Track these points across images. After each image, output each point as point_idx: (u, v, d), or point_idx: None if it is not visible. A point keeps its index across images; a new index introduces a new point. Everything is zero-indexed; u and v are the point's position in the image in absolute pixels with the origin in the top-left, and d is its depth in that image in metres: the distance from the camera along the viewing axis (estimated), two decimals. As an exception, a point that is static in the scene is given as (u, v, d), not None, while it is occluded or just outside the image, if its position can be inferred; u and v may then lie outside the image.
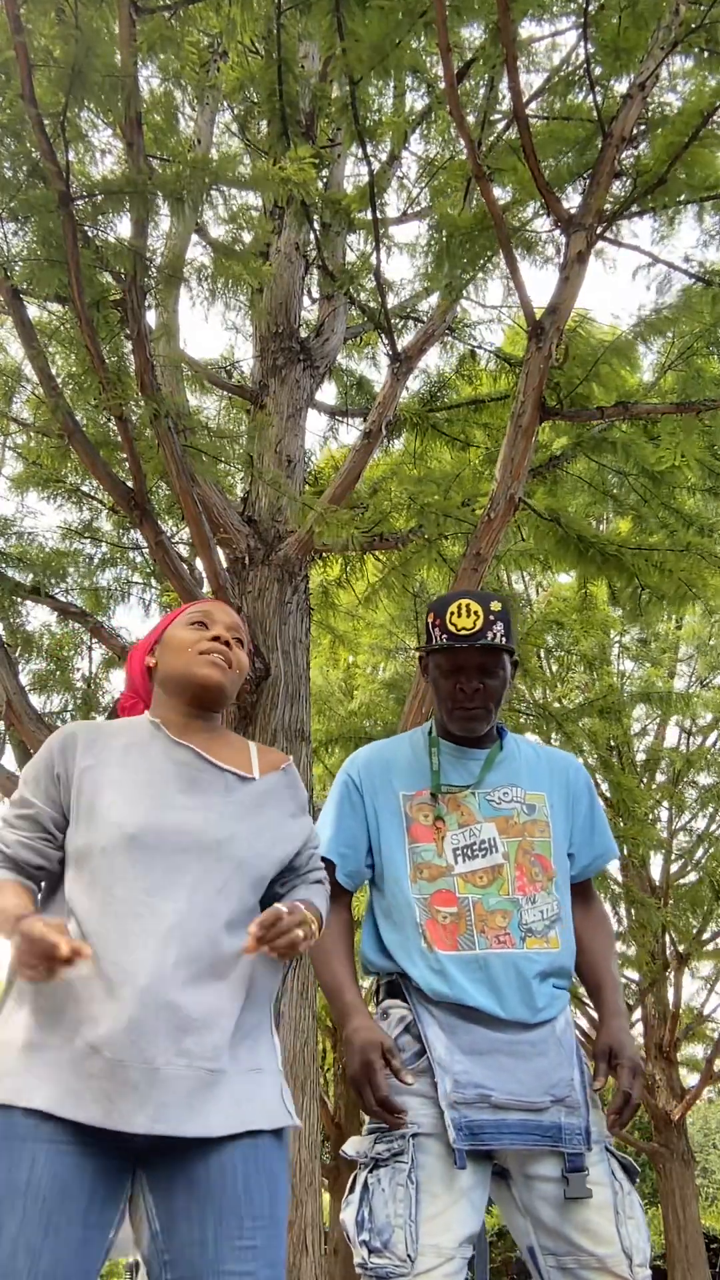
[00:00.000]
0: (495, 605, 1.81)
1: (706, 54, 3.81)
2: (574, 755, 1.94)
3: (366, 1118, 1.64)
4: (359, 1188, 1.58)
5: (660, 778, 10.33)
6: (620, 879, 10.09)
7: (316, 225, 4.86)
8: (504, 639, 1.79)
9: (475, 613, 1.78)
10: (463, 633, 1.77)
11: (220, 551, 4.94)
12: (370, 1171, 1.58)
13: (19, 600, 5.56)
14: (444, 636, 1.79)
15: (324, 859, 1.79)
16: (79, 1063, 1.28)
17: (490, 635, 1.77)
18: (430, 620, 1.85)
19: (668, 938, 10.01)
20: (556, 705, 9.24)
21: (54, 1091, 1.27)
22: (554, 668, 9.90)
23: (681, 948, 10.18)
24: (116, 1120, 1.26)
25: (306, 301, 6.22)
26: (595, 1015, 1.79)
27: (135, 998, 1.30)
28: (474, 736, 1.85)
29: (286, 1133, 1.42)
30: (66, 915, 1.40)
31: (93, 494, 6.07)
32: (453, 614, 1.79)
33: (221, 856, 1.45)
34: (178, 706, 1.60)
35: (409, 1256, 1.49)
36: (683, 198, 3.72)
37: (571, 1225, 1.55)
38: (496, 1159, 1.66)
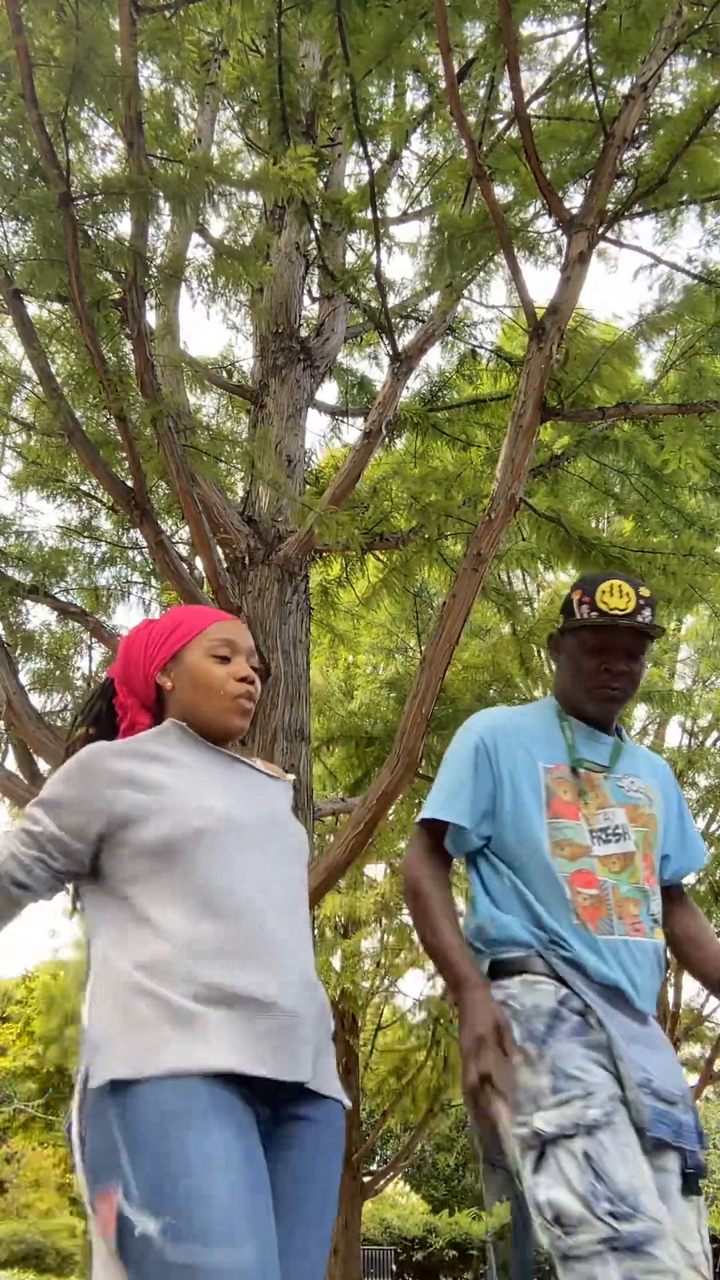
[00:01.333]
0: (645, 591, 1.79)
1: (709, 54, 3.80)
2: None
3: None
4: (577, 1157, 1.44)
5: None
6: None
7: (317, 225, 4.86)
8: (655, 627, 1.78)
9: (628, 594, 1.76)
10: (615, 612, 1.74)
11: (220, 551, 4.94)
12: (587, 1137, 1.45)
13: (19, 599, 5.55)
14: (594, 614, 1.76)
15: (439, 821, 1.76)
16: (250, 1022, 1.31)
17: (642, 617, 1.75)
18: (577, 597, 1.81)
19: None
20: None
21: (233, 1053, 1.28)
22: (555, 668, 9.88)
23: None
24: (297, 1071, 1.32)
25: (307, 301, 6.21)
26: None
27: (283, 962, 1.37)
28: (607, 720, 1.82)
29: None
30: (168, 904, 1.40)
31: (92, 493, 6.07)
32: (604, 592, 1.77)
33: (289, 835, 1.53)
34: (198, 729, 1.61)
35: (660, 1217, 1.40)
36: (685, 198, 3.72)
37: (674, 1220, 1.51)
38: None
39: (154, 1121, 1.20)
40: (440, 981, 10.56)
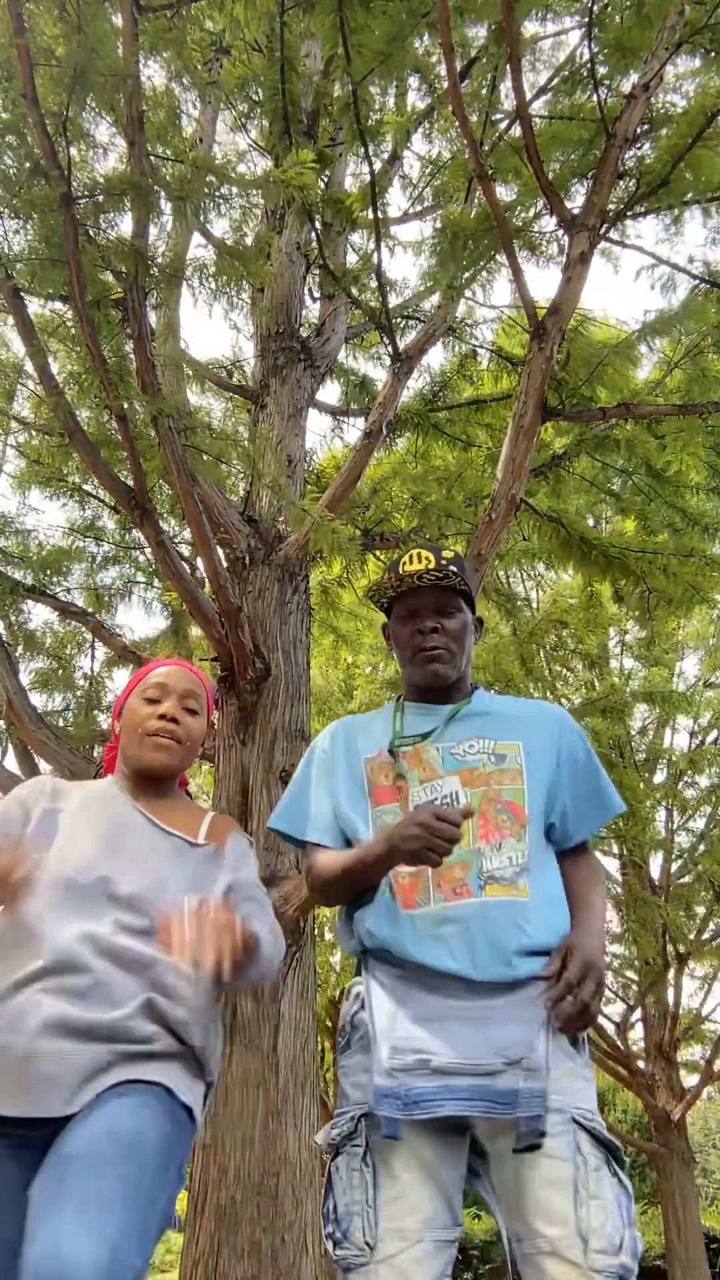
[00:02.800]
0: (447, 553, 1.82)
1: (712, 54, 3.80)
2: (565, 711, 1.90)
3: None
4: (326, 1180, 1.51)
5: (660, 778, 10.33)
6: (620, 879, 10.09)
7: (318, 225, 4.86)
8: (458, 579, 1.77)
9: (426, 558, 1.79)
10: (412, 573, 1.78)
11: (220, 551, 4.93)
12: (332, 1160, 1.51)
13: (20, 599, 5.55)
14: (395, 582, 1.80)
15: (308, 842, 1.78)
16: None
17: (440, 573, 1.76)
18: (385, 579, 1.84)
19: (667, 938, 10.01)
20: (559, 704, 9.22)
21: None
22: (555, 667, 9.89)
23: (681, 948, 10.18)
24: (40, 1107, 1.43)
25: (308, 301, 6.21)
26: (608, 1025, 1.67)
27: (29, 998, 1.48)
28: (442, 684, 1.79)
29: None
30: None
31: (94, 493, 6.07)
32: (405, 563, 1.81)
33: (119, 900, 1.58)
34: (133, 775, 1.75)
35: (368, 1244, 1.41)
36: (688, 197, 3.72)
37: (528, 1205, 1.41)
38: (473, 1135, 1.54)
39: None
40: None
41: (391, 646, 1.89)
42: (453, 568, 1.78)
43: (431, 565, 1.77)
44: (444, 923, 1.58)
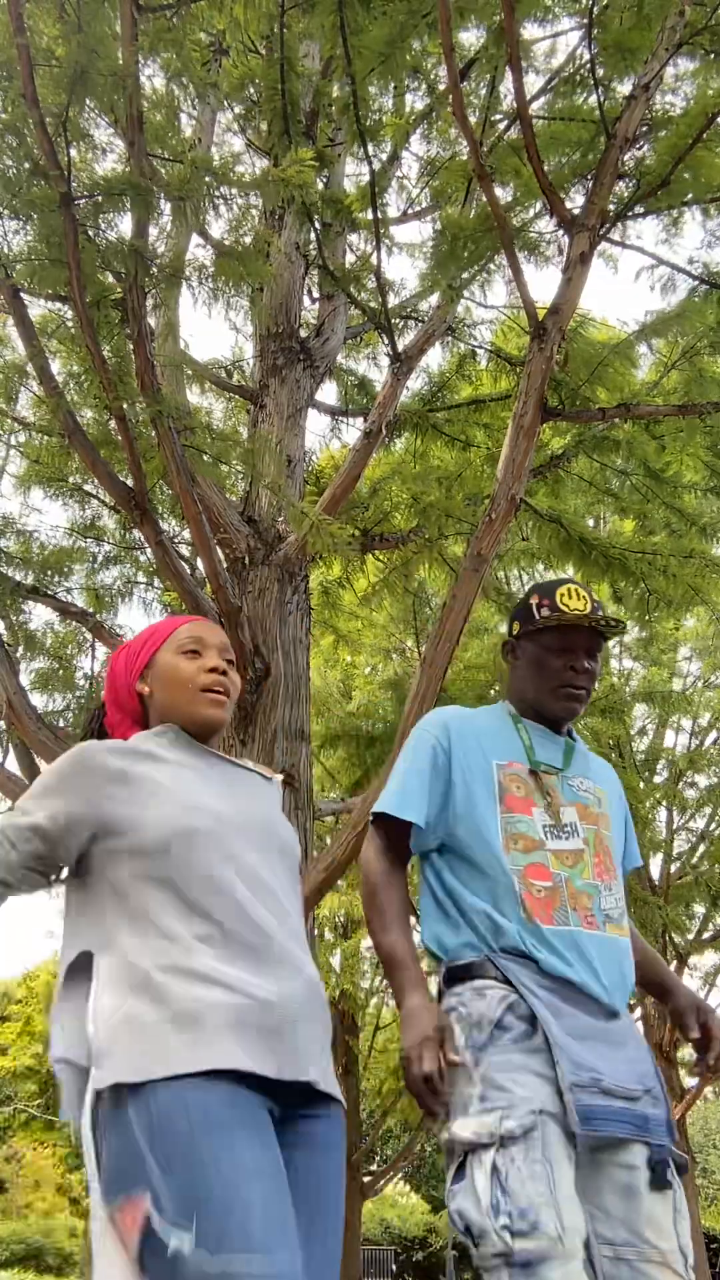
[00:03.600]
0: (596, 594, 1.94)
1: (712, 55, 3.80)
2: None
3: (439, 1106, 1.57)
4: (486, 1169, 1.46)
5: (660, 777, 10.34)
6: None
7: (317, 225, 4.86)
8: (617, 626, 1.85)
9: (584, 596, 1.86)
10: (576, 612, 1.83)
11: (220, 551, 4.93)
12: (499, 1150, 1.46)
13: (20, 599, 5.55)
14: (555, 615, 1.84)
15: (394, 818, 1.78)
16: (252, 1022, 1.32)
17: (601, 617, 1.83)
18: (536, 601, 1.88)
19: (667, 938, 10.01)
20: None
21: (238, 1054, 1.29)
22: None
23: (681, 947, 10.18)
24: (301, 1070, 1.34)
25: (307, 301, 6.21)
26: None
27: (281, 961, 1.38)
28: (569, 719, 1.87)
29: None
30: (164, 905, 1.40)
31: (94, 493, 6.07)
32: (563, 595, 1.86)
33: (281, 835, 1.56)
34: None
35: (559, 1236, 1.39)
36: (689, 197, 3.72)
37: (639, 1217, 1.51)
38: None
39: (182, 1131, 1.20)
40: (435, 980, 10.55)
41: (514, 661, 1.94)
42: (600, 610, 1.87)
43: (589, 606, 1.85)
44: (577, 946, 1.66)
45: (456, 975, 1.69)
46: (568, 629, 1.84)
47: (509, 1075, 1.53)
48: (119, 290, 4.07)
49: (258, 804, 1.56)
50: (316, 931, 6.45)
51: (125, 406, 4.10)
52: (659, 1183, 1.52)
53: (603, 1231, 1.51)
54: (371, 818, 1.84)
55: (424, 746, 1.85)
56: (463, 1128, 1.51)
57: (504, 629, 7.81)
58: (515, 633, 1.94)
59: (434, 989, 1.76)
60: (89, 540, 6.33)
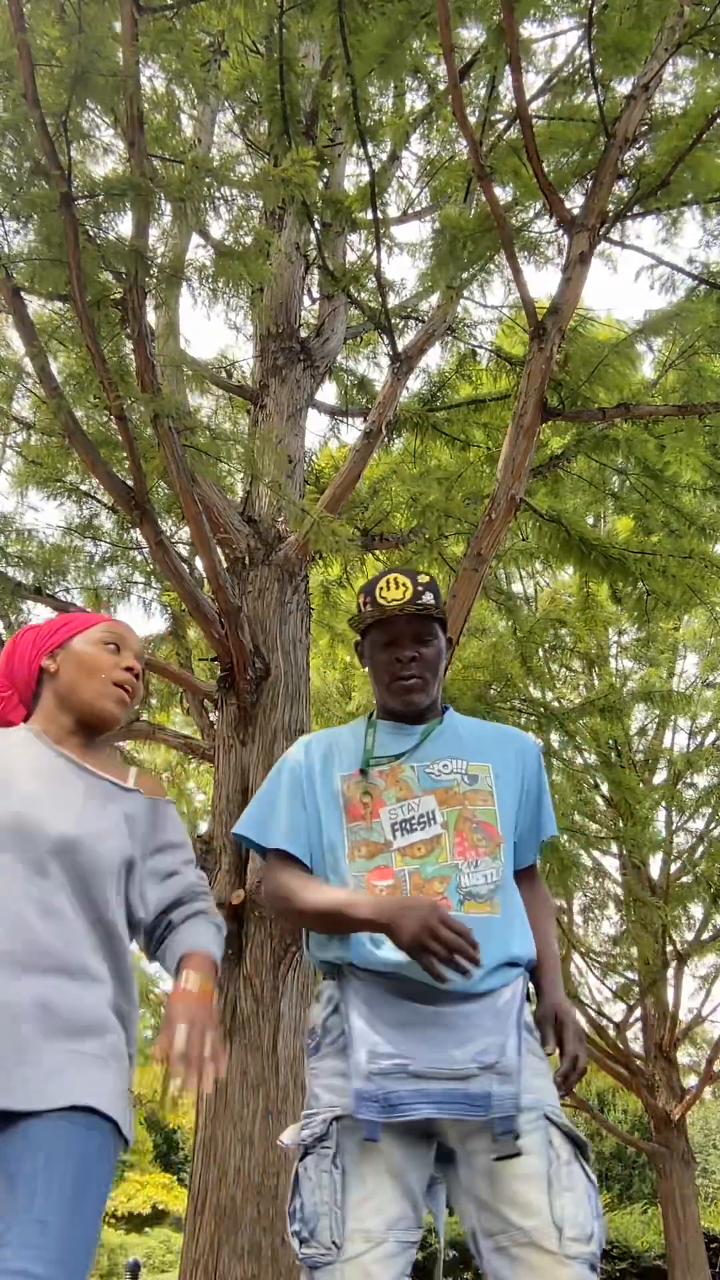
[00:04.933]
0: (423, 577, 1.86)
1: (711, 55, 3.81)
2: (527, 734, 2.04)
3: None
4: (292, 1178, 1.54)
5: (659, 777, 10.34)
6: (620, 878, 10.10)
7: (317, 225, 4.86)
8: (434, 608, 1.82)
9: (404, 584, 1.83)
10: (392, 603, 1.81)
11: (220, 551, 4.94)
12: (300, 1160, 1.54)
13: (20, 599, 5.55)
14: (372, 609, 1.84)
15: (281, 851, 1.77)
16: None
17: (419, 604, 1.81)
18: (361, 601, 1.88)
19: (667, 938, 10.02)
20: (556, 704, 9.25)
21: None
22: (554, 667, 9.90)
23: (681, 947, 10.19)
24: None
25: (307, 301, 6.21)
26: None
27: None
28: (415, 710, 1.84)
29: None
30: None
31: (93, 492, 6.07)
32: (381, 589, 1.84)
33: (84, 851, 1.49)
34: (66, 723, 1.62)
35: (334, 1244, 1.45)
36: (689, 197, 3.72)
37: (502, 1199, 1.47)
38: (440, 1139, 1.59)
39: None
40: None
41: (365, 665, 1.93)
42: (429, 595, 1.84)
43: (409, 593, 1.82)
44: None
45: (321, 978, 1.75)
46: (388, 621, 1.83)
47: (323, 1082, 1.60)
48: (119, 290, 4.07)
49: (67, 811, 1.50)
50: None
51: (125, 406, 4.10)
52: (502, 1150, 1.48)
53: (483, 1222, 1.49)
54: (259, 849, 1.83)
55: (290, 775, 1.84)
56: (285, 1134, 1.60)
57: (506, 629, 7.82)
58: (358, 638, 1.93)
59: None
60: (86, 539, 6.33)
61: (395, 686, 1.83)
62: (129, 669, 1.63)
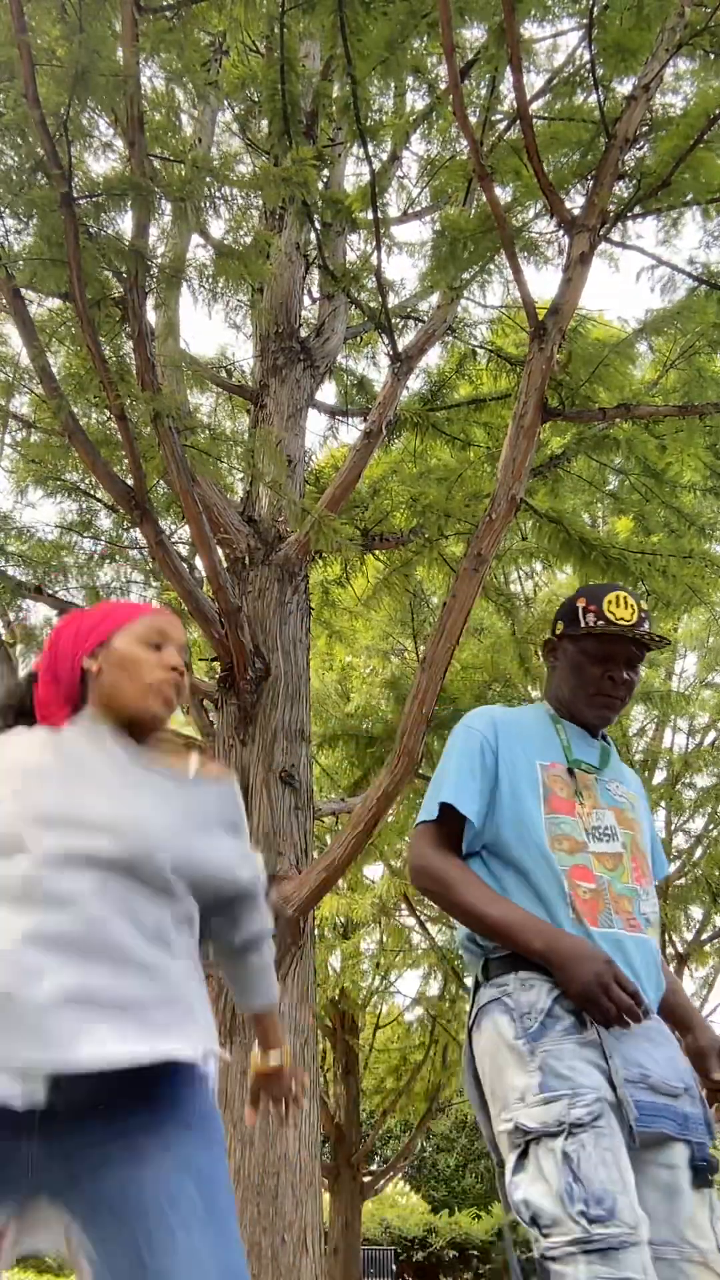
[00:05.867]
0: (645, 604, 1.87)
1: (712, 56, 3.81)
2: None
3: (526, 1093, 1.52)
4: (556, 1156, 1.43)
5: (659, 778, 10.34)
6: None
7: (317, 225, 4.86)
8: (660, 640, 1.84)
9: (632, 606, 1.84)
10: (622, 622, 1.81)
11: (220, 551, 4.94)
12: (568, 1137, 1.44)
13: (20, 597, 5.56)
14: (600, 623, 1.82)
15: (450, 808, 1.74)
16: None
17: (646, 630, 1.82)
18: (583, 605, 1.86)
19: (667, 939, 10.02)
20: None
21: None
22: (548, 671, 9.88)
23: (681, 948, 10.19)
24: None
25: (307, 301, 6.22)
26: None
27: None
28: (602, 726, 1.86)
29: None
30: None
31: (91, 492, 6.07)
32: (610, 603, 1.83)
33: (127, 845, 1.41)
34: (112, 723, 1.54)
35: (635, 1224, 1.38)
36: (689, 197, 3.72)
37: (680, 1216, 1.50)
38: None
39: None
40: (437, 979, 10.56)
41: (554, 661, 1.93)
42: (647, 621, 1.85)
43: (636, 617, 1.83)
44: (622, 949, 1.65)
45: (499, 967, 1.66)
46: (610, 638, 1.83)
47: (568, 1064, 1.51)
48: (119, 289, 4.07)
49: (124, 804, 1.40)
50: (316, 931, 6.46)
51: (125, 406, 4.10)
52: (700, 1181, 1.52)
53: (655, 1233, 1.50)
54: (421, 823, 1.78)
55: (472, 744, 1.82)
56: (527, 1116, 1.48)
57: (505, 629, 7.81)
58: (558, 633, 1.92)
59: (470, 983, 1.75)
60: (85, 538, 6.33)
61: (599, 701, 1.84)
62: (174, 668, 1.55)
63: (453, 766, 1.80)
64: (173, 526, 6.01)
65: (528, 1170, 1.45)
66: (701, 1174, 1.52)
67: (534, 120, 3.53)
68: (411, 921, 10.60)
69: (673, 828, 10.39)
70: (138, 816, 1.38)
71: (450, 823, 1.76)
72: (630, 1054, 1.56)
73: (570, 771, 1.80)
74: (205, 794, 1.54)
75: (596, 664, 1.84)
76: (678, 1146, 1.55)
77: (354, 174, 6.57)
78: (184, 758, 1.58)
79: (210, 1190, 1.18)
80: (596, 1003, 1.51)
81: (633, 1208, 1.38)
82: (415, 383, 6.32)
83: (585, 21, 3.72)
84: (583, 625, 1.84)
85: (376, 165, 4.48)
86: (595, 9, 3.58)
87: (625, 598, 1.84)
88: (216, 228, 5.88)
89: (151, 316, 4.36)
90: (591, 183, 3.75)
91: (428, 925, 10.36)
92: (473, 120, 3.87)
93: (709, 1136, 1.56)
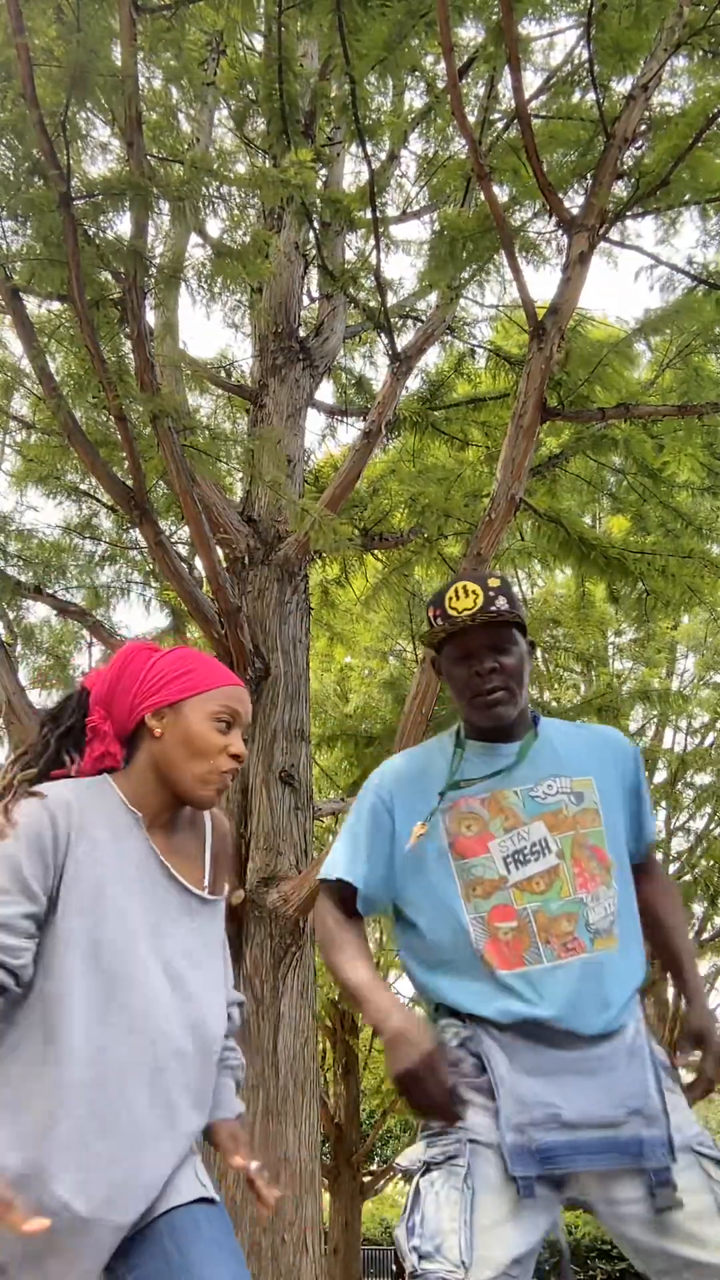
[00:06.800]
0: (494, 581, 1.70)
1: (710, 55, 3.81)
2: (622, 735, 1.85)
3: (421, 1126, 1.56)
4: (411, 1194, 1.47)
5: (658, 777, 10.34)
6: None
7: (316, 224, 4.86)
8: (510, 613, 1.66)
9: (474, 591, 1.67)
10: (464, 613, 1.66)
11: (220, 551, 4.94)
12: (423, 1175, 1.48)
13: (20, 598, 5.56)
14: (443, 622, 1.68)
15: (339, 881, 1.69)
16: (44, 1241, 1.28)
17: (493, 610, 1.65)
18: (431, 614, 1.73)
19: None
20: (554, 704, 9.25)
21: None
22: (551, 666, 9.89)
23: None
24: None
25: (306, 301, 6.21)
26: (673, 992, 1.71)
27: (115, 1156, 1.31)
28: (504, 725, 1.68)
29: None
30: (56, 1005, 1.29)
31: (91, 492, 6.07)
32: (451, 599, 1.69)
33: (194, 978, 1.42)
34: (159, 795, 1.46)
35: (463, 1263, 1.38)
36: (688, 197, 3.72)
37: (677, 1238, 1.43)
38: (571, 1191, 1.52)
39: None
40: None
41: (444, 681, 1.77)
42: (502, 600, 1.67)
43: (479, 600, 1.66)
44: (552, 979, 1.55)
45: (438, 1012, 1.66)
46: (461, 633, 1.67)
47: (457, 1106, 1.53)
48: (118, 290, 4.07)
49: (178, 938, 1.41)
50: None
51: (124, 406, 4.10)
52: (664, 1202, 1.44)
53: (654, 1264, 1.46)
54: (320, 878, 1.75)
55: (364, 806, 1.74)
56: (403, 1157, 1.54)
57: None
58: (429, 646, 1.78)
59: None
60: (84, 539, 6.33)
61: (478, 702, 1.66)
62: (235, 755, 1.46)
63: (346, 831, 1.75)
64: (172, 527, 6.01)
65: (406, 1205, 1.50)
66: (662, 1198, 1.43)
67: (532, 119, 3.52)
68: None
69: (672, 827, 10.40)
70: (206, 1019, 1.40)
71: (342, 885, 1.71)
72: (541, 1093, 1.49)
73: (484, 800, 1.65)
74: (218, 916, 1.51)
75: (460, 665, 1.69)
76: (627, 1178, 1.47)
77: (353, 173, 6.58)
78: (199, 854, 1.52)
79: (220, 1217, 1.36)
80: (407, 1095, 1.47)
81: (464, 1248, 1.39)
82: (414, 382, 6.32)
83: (584, 20, 3.72)
84: (435, 631, 1.70)
85: (375, 164, 4.48)
86: (593, 8, 3.58)
87: (465, 586, 1.68)
88: (214, 227, 5.88)
89: (150, 317, 4.36)
90: (590, 182, 3.75)
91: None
92: (471, 119, 3.87)
93: (669, 1157, 1.45)
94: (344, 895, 1.71)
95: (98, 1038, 1.29)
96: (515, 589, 1.76)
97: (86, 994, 1.30)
